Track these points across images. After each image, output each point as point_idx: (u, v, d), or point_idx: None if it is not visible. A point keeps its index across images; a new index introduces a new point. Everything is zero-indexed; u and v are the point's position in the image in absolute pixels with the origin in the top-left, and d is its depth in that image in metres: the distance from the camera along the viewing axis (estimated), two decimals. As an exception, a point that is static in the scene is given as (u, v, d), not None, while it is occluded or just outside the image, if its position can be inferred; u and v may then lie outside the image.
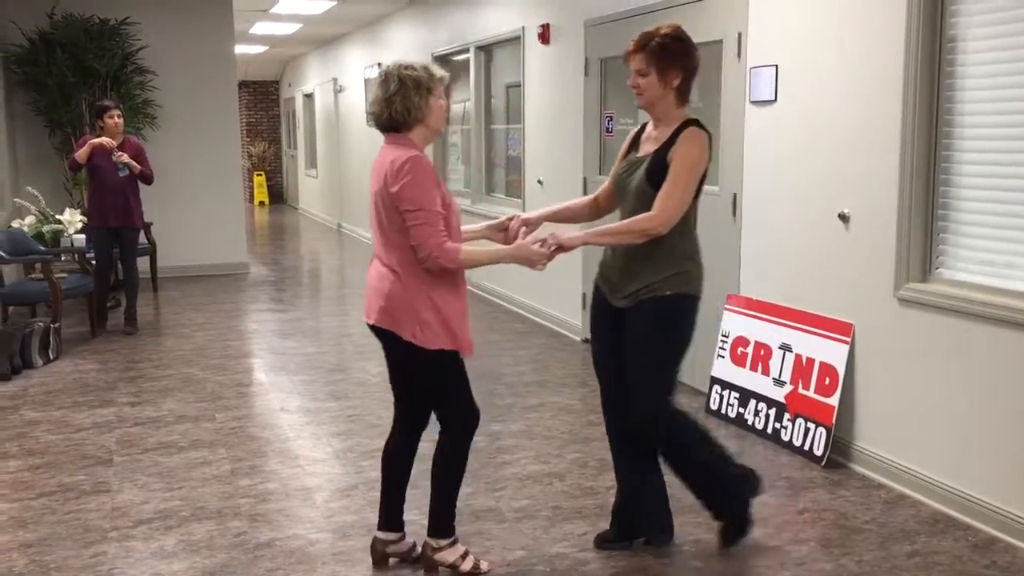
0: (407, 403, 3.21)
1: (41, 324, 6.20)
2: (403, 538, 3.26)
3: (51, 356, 6.22)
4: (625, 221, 3.12)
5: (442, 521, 3.14)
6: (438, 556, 3.13)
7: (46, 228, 7.51)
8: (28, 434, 4.71)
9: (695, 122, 3.14)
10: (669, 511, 3.39)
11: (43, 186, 8.61)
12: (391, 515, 3.23)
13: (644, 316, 3.14)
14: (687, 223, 3.15)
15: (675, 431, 3.22)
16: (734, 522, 3.34)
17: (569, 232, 3.09)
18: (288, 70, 19.64)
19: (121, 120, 7.06)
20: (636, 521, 3.37)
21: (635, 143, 3.30)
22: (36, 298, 6.90)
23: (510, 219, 3.24)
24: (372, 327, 3.04)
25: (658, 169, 3.09)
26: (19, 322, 6.34)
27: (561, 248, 3.05)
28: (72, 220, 7.32)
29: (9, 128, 8.77)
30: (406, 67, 2.98)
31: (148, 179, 7.15)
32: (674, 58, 3.10)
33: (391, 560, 3.24)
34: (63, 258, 7.53)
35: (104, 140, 6.85)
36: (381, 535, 3.24)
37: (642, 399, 3.18)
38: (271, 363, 6.20)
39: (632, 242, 3.10)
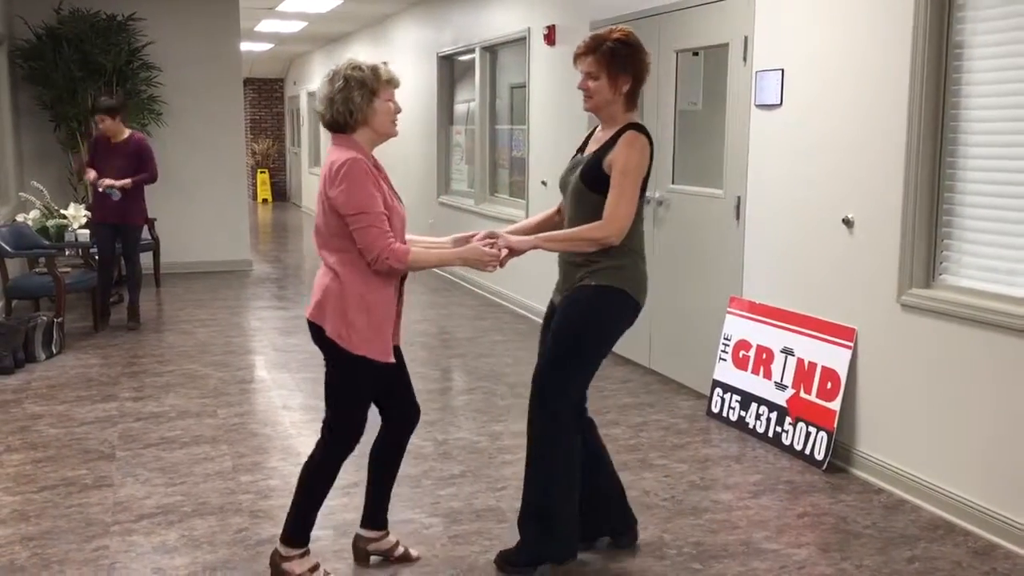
0: (382, 401, 3.19)
1: (44, 318, 6.22)
2: (385, 536, 3.27)
3: (54, 350, 6.23)
4: (576, 228, 3.06)
5: (293, 529, 3.05)
6: (284, 566, 3.04)
7: (50, 223, 7.51)
8: (31, 428, 4.72)
9: (635, 125, 3.09)
10: (628, 509, 3.40)
11: (48, 181, 8.63)
12: (373, 513, 3.25)
13: (567, 302, 3.14)
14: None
15: (554, 434, 3.12)
16: (516, 552, 3.20)
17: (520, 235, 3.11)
18: (293, 68, 19.66)
19: (108, 123, 7.01)
20: (599, 519, 3.36)
21: (584, 145, 3.30)
22: (40, 292, 6.91)
23: (475, 234, 3.15)
24: (308, 322, 3.01)
25: (592, 168, 3.08)
26: (23, 316, 6.35)
27: (512, 250, 3.04)
28: (76, 215, 7.33)
29: (15, 122, 8.79)
30: (353, 67, 2.91)
31: (147, 181, 7.12)
32: (625, 63, 3.08)
33: (372, 558, 3.25)
34: (67, 253, 7.54)
35: (89, 177, 6.93)
36: (363, 532, 3.26)
37: (536, 384, 3.13)
38: (273, 360, 6.21)
39: (583, 250, 3.06)
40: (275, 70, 20.44)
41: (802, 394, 4.40)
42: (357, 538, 3.27)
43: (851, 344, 4.17)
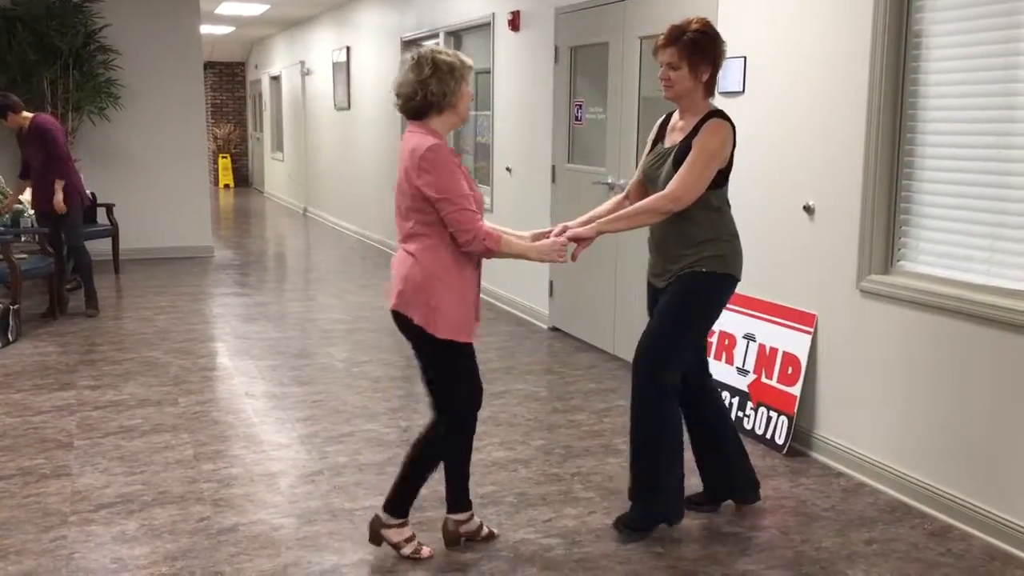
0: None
1: (0, 305, 6.10)
2: (471, 517, 3.31)
3: (10, 338, 6.13)
4: (638, 204, 3.24)
5: (398, 501, 3.18)
6: (384, 532, 3.20)
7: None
8: (-14, 417, 4.64)
9: (719, 113, 3.24)
10: (751, 469, 3.62)
11: (2, 165, 8.46)
12: (456, 496, 3.27)
13: (676, 287, 3.28)
14: (715, 206, 3.27)
15: (659, 404, 3.29)
16: (632, 516, 3.40)
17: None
18: (255, 52, 19.42)
19: (9, 120, 6.82)
20: (722, 482, 3.57)
21: (661, 135, 3.42)
22: (-5, 279, 6.78)
23: (551, 231, 3.26)
24: (392, 312, 3.05)
25: (685, 156, 3.20)
26: (-23, 303, 6.23)
27: (577, 239, 3.17)
28: (32, 200, 7.20)
29: (-32, 105, 8.58)
30: (438, 52, 2.98)
31: (60, 173, 6.81)
32: (705, 52, 3.21)
33: (462, 540, 3.29)
34: (23, 239, 7.41)
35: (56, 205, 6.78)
36: (451, 516, 3.28)
37: (644, 357, 3.28)
38: (235, 347, 6.16)
39: (645, 223, 3.23)
40: (237, 54, 20.18)
41: (763, 379, 4.45)
42: (447, 521, 3.30)
43: (811, 330, 4.22)
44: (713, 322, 3.37)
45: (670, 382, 3.29)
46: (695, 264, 3.26)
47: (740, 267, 3.34)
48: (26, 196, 7.36)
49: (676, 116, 3.38)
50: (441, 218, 2.93)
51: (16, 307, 6.28)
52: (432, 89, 2.95)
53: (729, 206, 3.36)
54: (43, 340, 6.27)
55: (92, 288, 7.12)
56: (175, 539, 3.32)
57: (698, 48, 3.19)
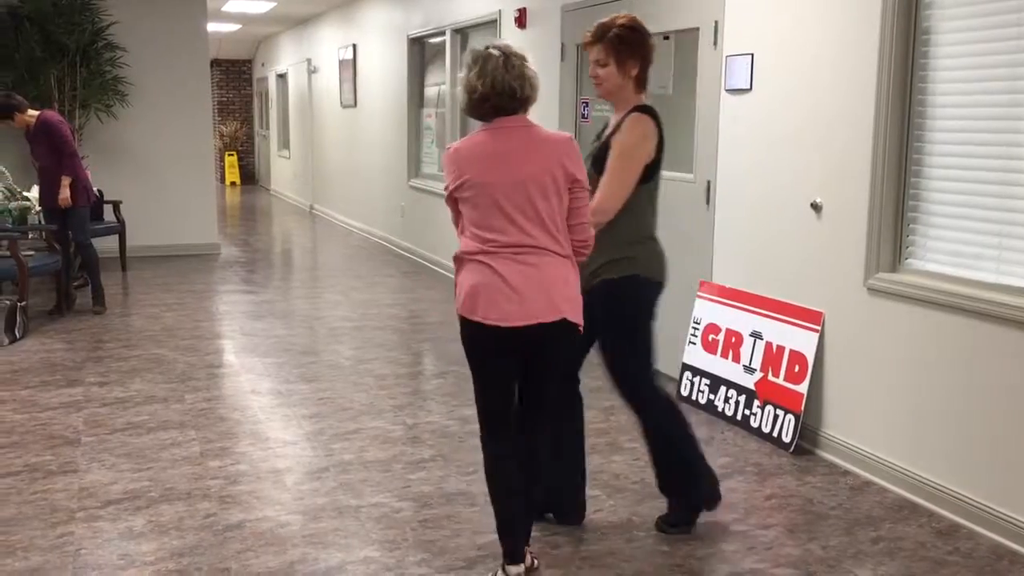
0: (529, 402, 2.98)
1: (7, 302, 6.12)
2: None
3: (17, 335, 6.14)
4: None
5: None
6: None
7: (13, 205, 7.39)
8: (-6, 413, 4.66)
9: (641, 107, 3.19)
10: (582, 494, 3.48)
11: (10, 162, 8.48)
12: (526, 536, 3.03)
13: (598, 299, 3.20)
14: (634, 207, 3.18)
15: (653, 409, 3.31)
16: (673, 514, 3.44)
17: None
18: (261, 50, 19.44)
19: (14, 121, 6.82)
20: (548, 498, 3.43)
21: (602, 132, 3.38)
22: (2, 276, 6.79)
23: None
24: (538, 326, 2.75)
25: (601, 155, 3.17)
26: (-15, 300, 6.25)
27: None
28: (39, 197, 7.21)
29: (-25, 103, 8.60)
30: (505, 46, 2.89)
31: (70, 170, 6.81)
32: (632, 48, 3.18)
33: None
34: (30, 236, 7.42)
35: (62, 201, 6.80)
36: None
37: (620, 385, 3.30)
38: (242, 345, 6.16)
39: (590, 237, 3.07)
40: (243, 52, 20.20)
41: (770, 377, 4.44)
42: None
43: (818, 328, 4.21)
44: (651, 318, 3.27)
45: (648, 387, 3.27)
46: (603, 271, 3.18)
47: (658, 269, 3.26)
48: (33, 193, 7.37)
49: (613, 114, 3.33)
50: (572, 209, 2.81)
51: (23, 304, 6.29)
52: (534, 82, 2.86)
53: (653, 205, 3.25)
54: (50, 337, 6.29)
55: (99, 285, 7.14)
56: (182, 535, 3.32)
57: (624, 44, 3.16)
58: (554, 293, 2.75)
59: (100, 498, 3.65)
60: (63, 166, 6.80)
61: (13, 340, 6.08)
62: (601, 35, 3.19)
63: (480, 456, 3.21)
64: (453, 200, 2.87)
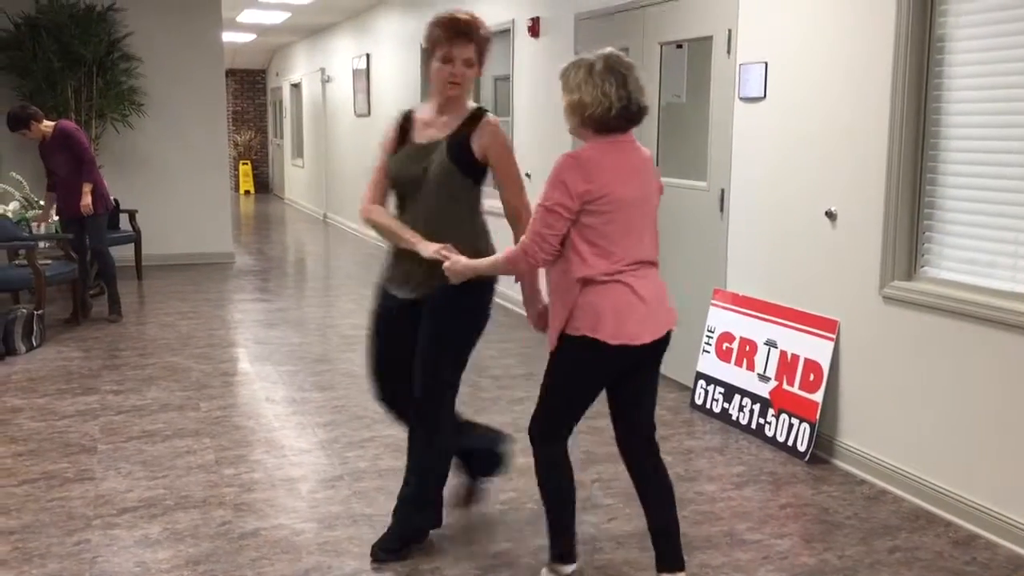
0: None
1: (24, 311, 6.16)
2: None
3: (34, 343, 6.18)
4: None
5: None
6: None
7: (30, 214, 7.46)
8: (11, 421, 4.68)
9: (485, 110, 3.14)
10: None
11: (27, 172, 8.55)
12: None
13: (443, 304, 3.10)
14: (478, 207, 3.18)
15: (447, 435, 3.23)
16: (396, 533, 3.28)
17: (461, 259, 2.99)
18: (276, 59, 19.55)
19: (32, 131, 6.86)
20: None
21: (405, 132, 3.23)
22: (19, 285, 6.84)
23: None
24: (666, 335, 2.84)
25: (462, 151, 3.06)
26: (2, 309, 6.29)
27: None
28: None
29: (-7, 113, 8.69)
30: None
31: (88, 176, 6.87)
32: (489, 49, 3.15)
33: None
34: (46, 245, 7.47)
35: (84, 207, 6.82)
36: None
37: (426, 388, 3.16)
38: (256, 353, 6.18)
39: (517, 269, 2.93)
40: (258, 61, 20.32)
41: (785, 386, 4.42)
42: None
43: (833, 336, 4.19)
44: (483, 330, 3.17)
45: (454, 402, 3.18)
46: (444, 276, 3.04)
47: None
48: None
49: (425, 112, 3.19)
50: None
51: (40, 312, 6.34)
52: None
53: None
54: (67, 345, 6.33)
55: (115, 293, 7.18)
56: (197, 543, 3.33)
57: (489, 45, 3.12)
58: (669, 301, 2.89)
59: (116, 505, 3.67)
60: (83, 173, 6.86)
61: (30, 348, 6.12)
62: (472, 34, 3.02)
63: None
64: (573, 214, 2.70)
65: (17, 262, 7.04)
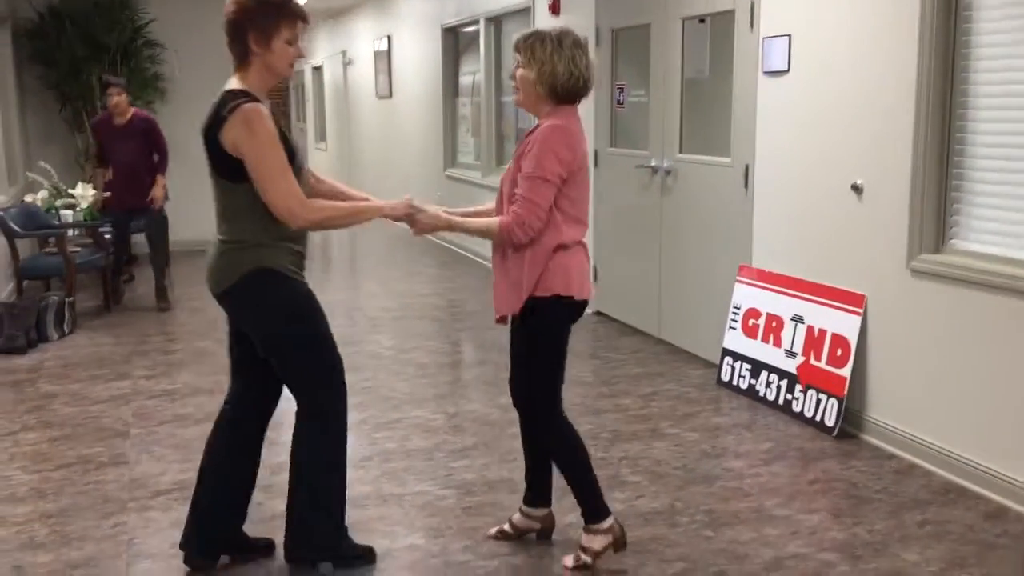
0: None
1: (56, 298, 6.25)
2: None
3: (66, 330, 6.27)
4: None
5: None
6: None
7: (59, 202, 7.53)
8: (46, 407, 4.76)
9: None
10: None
11: (55, 160, 8.63)
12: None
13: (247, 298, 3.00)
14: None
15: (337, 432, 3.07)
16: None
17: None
18: (297, 43, 19.55)
19: (122, 97, 7.00)
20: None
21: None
22: (50, 272, 6.94)
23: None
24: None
25: (210, 149, 2.86)
26: (34, 296, 6.38)
27: (412, 220, 2.98)
28: (84, 194, 7.32)
29: (20, 103, 8.78)
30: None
31: (166, 165, 7.12)
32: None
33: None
34: (75, 232, 7.55)
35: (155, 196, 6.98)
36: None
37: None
38: (284, 336, 6.22)
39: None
40: (279, 45, 20.33)
41: (812, 361, 4.41)
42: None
43: (861, 311, 4.17)
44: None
45: (340, 406, 3.05)
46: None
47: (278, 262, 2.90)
48: (79, 191, 7.49)
49: (262, 97, 2.91)
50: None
51: (71, 299, 6.42)
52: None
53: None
54: (98, 332, 6.41)
55: (163, 282, 7.22)
56: (230, 524, 3.37)
57: None
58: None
59: (150, 488, 3.73)
60: (161, 166, 7.04)
61: (62, 335, 6.21)
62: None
63: (520, 444, 3.23)
64: (562, 183, 2.85)
65: (47, 250, 7.13)
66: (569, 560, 3.08)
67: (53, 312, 6.15)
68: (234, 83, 2.87)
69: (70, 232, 7.20)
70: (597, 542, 3.05)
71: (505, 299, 2.97)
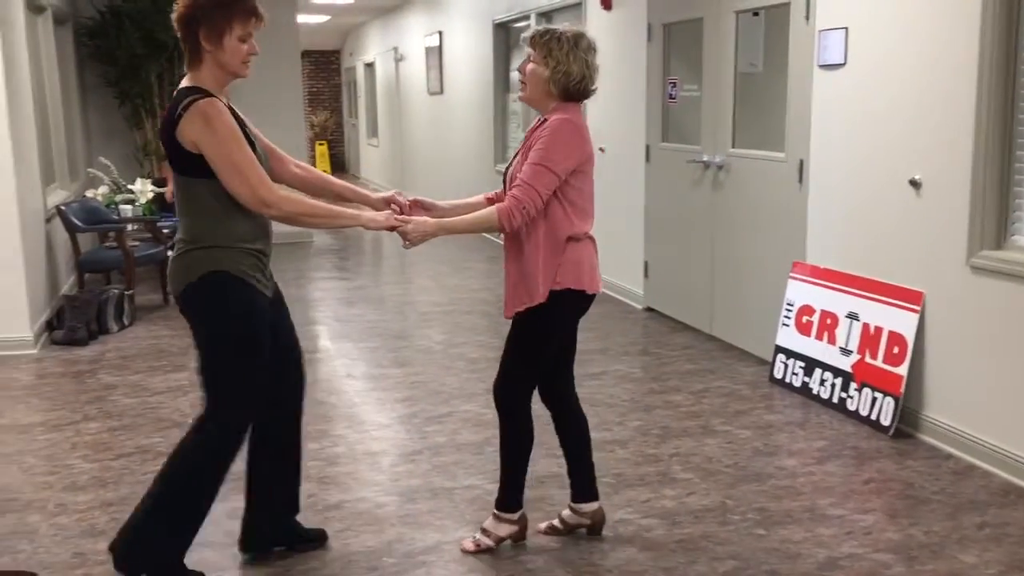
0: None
1: (115, 291, 6.39)
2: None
3: (125, 322, 6.41)
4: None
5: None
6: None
7: (119, 197, 7.70)
8: (106, 397, 4.87)
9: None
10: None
11: (114, 156, 8.81)
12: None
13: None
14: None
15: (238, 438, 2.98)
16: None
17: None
18: (349, 40, 19.74)
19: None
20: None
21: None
22: (110, 266, 7.10)
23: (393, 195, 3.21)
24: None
25: (168, 147, 2.78)
26: (95, 289, 6.53)
27: (403, 232, 2.94)
28: (144, 189, 7.48)
29: (82, 100, 8.98)
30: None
31: None
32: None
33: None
34: (134, 227, 7.72)
35: None
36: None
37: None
38: (336, 330, 6.31)
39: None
40: (332, 42, 20.54)
41: (868, 359, 4.34)
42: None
43: (918, 308, 4.09)
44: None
45: (236, 426, 2.92)
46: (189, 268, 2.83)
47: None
48: (137, 186, 7.65)
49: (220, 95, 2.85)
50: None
51: (130, 292, 6.56)
52: None
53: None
54: (156, 324, 6.54)
55: None
56: (284, 515, 3.43)
57: None
58: None
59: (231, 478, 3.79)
60: None
61: (121, 327, 6.35)
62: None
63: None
64: (568, 174, 2.90)
65: (107, 244, 7.30)
66: (469, 543, 3.15)
67: (113, 305, 6.29)
68: (187, 82, 2.81)
69: (129, 226, 7.36)
70: (502, 529, 3.14)
71: (522, 291, 3.00)
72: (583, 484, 3.25)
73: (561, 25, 3.04)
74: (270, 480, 3.14)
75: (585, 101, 3.06)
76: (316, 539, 3.22)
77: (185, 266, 2.83)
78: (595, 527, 3.25)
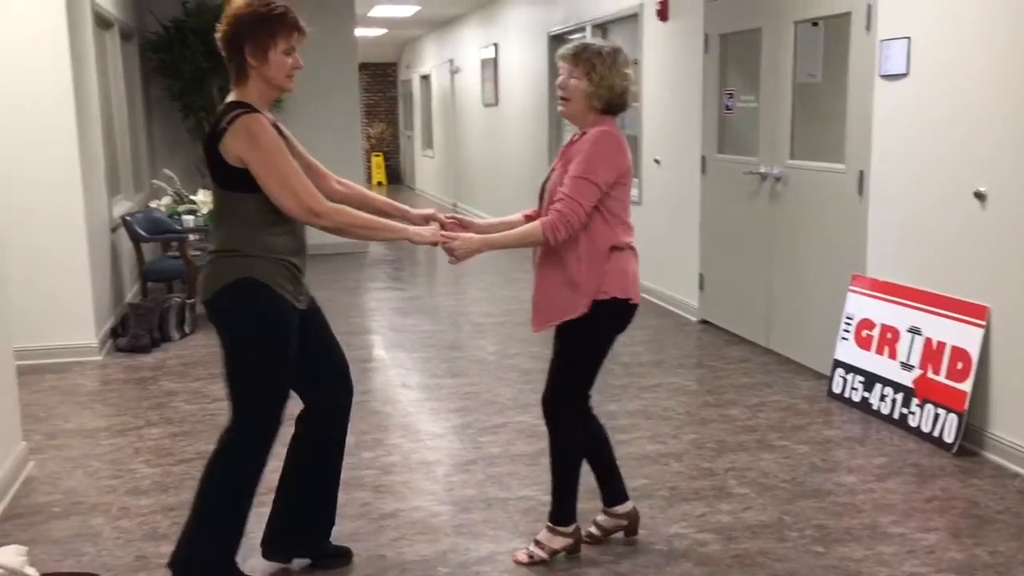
0: None
1: (177, 300, 6.52)
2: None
3: (186, 331, 6.53)
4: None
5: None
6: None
7: (181, 208, 7.87)
8: (168, 404, 4.97)
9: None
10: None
11: (177, 168, 9.01)
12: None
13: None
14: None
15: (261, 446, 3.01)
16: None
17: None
18: (406, 52, 19.94)
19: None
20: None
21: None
22: (172, 275, 7.26)
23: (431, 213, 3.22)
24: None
25: (210, 160, 2.81)
26: (157, 298, 6.68)
27: (449, 249, 3.00)
28: (205, 200, 7.63)
29: (146, 113, 9.21)
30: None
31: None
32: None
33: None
34: (196, 237, 7.87)
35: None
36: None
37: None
38: (391, 340, 6.36)
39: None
40: (388, 55, 20.77)
41: (930, 375, 4.25)
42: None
43: (983, 323, 3.99)
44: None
45: (262, 436, 2.98)
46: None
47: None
48: (199, 196, 7.81)
49: (266, 112, 2.94)
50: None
51: (192, 301, 6.69)
52: None
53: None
54: (215, 333, 6.63)
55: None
56: (340, 522, 3.44)
57: None
58: None
59: (265, 484, 3.82)
60: None
61: (183, 335, 6.48)
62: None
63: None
64: (609, 188, 2.92)
65: (170, 254, 7.45)
66: (522, 555, 3.13)
67: (175, 313, 6.42)
68: (232, 97, 2.85)
69: (191, 236, 7.51)
70: (557, 542, 3.12)
71: (562, 303, 2.96)
72: (613, 487, 3.26)
73: (594, 41, 3.08)
74: (304, 489, 3.16)
75: (627, 112, 3.10)
76: (341, 556, 3.20)
77: (217, 272, 2.86)
78: (632, 527, 3.27)
